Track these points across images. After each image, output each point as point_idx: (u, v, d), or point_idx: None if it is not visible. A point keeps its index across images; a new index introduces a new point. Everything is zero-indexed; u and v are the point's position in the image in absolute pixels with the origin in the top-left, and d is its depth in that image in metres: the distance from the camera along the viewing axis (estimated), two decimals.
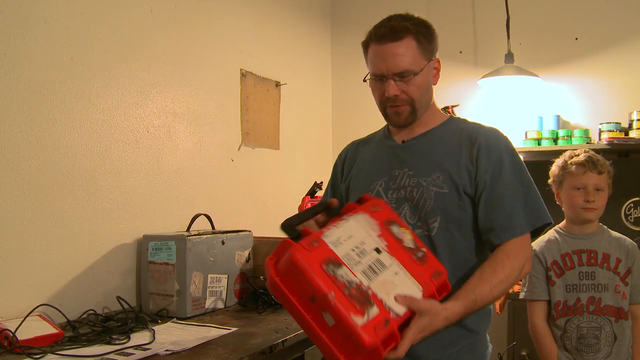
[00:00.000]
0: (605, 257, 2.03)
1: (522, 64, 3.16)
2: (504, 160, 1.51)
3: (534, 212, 1.50)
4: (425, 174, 1.53)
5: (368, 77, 1.57)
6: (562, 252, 2.07)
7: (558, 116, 3.21)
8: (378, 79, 1.53)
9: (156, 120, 2.45)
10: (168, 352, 1.65)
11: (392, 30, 1.49)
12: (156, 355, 1.63)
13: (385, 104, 1.56)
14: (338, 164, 1.78)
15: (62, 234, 2.03)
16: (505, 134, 1.59)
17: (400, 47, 1.49)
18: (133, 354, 1.63)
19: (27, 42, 1.93)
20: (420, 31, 1.51)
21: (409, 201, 1.52)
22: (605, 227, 2.12)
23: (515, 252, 1.46)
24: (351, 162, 1.73)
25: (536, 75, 3.13)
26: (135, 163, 2.34)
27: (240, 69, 2.98)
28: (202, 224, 2.52)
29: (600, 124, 3.04)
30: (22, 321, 1.75)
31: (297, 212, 2.78)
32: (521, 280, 2.06)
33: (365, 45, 1.57)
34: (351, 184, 1.69)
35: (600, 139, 3.01)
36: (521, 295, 2.12)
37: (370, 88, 1.60)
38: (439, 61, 1.59)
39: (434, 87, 1.62)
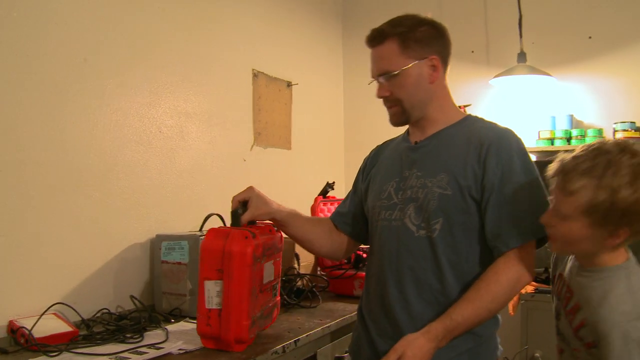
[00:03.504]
0: None
1: (535, 63, 3.14)
2: (514, 163, 1.47)
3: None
4: (431, 175, 1.53)
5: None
6: None
7: (571, 116, 3.19)
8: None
9: (169, 120, 2.46)
10: (181, 351, 1.66)
11: (372, 35, 1.58)
12: (169, 354, 1.64)
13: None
14: (362, 165, 1.83)
15: (76, 233, 2.05)
16: (518, 136, 1.54)
17: (381, 49, 1.56)
18: (146, 352, 1.64)
19: (42, 43, 1.95)
20: (405, 33, 1.52)
21: (414, 202, 1.53)
22: None
23: (506, 268, 1.42)
24: (372, 163, 1.77)
25: (549, 75, 3.11)
26: (148, 163, 2.36)
27: (252, 69, 2.99)
28: (214, 224, 2.52)
29: (615, 123, 3.01)
30: (38, 319, 1.77)
31: (309, 212, 2.82)
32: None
33: None
34: (369, 184, 1.72)
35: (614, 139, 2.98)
36: None
37: None
38: (437, 59, 1.55)
39: (449, 86, 1.63)
